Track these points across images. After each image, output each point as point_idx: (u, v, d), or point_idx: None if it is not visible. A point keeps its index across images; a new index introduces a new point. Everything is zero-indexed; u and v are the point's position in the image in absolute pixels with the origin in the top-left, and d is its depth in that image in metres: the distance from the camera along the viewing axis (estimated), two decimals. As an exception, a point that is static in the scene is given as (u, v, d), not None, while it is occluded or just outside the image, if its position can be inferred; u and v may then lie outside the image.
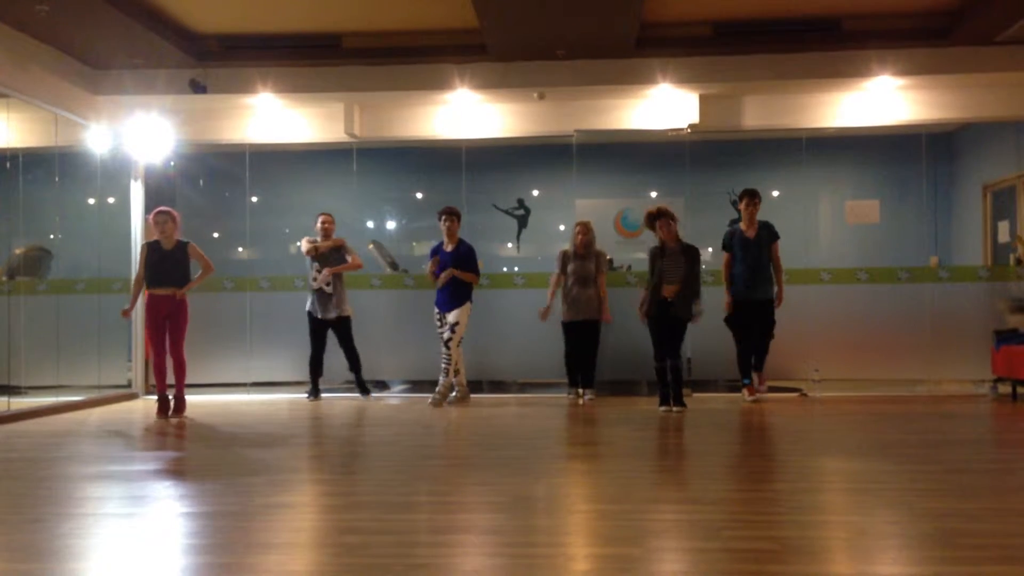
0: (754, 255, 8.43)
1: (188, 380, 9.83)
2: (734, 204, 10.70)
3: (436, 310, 8.59)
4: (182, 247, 7.90)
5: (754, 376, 8.55)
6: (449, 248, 8.53)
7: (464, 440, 6.51)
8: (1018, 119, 9.55)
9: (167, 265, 7.81)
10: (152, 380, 9.84)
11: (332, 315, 8.93)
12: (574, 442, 6.41)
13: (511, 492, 4.63)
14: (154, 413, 7.89)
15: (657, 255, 7.85)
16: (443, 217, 8.52)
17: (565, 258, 8.79)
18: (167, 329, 7.83)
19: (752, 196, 8.51)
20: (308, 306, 9.05)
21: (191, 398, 8.26)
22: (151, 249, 7.85)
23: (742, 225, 8.55)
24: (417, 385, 10.02)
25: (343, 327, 9.02)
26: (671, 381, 7.79)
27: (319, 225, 9.07)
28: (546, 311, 8.75)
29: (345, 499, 4.61)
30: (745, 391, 8.49)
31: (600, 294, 8.69)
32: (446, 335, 8.42)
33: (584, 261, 8.70)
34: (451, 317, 8.43)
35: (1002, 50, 8.53)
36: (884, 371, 9.41)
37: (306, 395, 9.12)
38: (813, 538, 3.72)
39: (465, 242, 8.56)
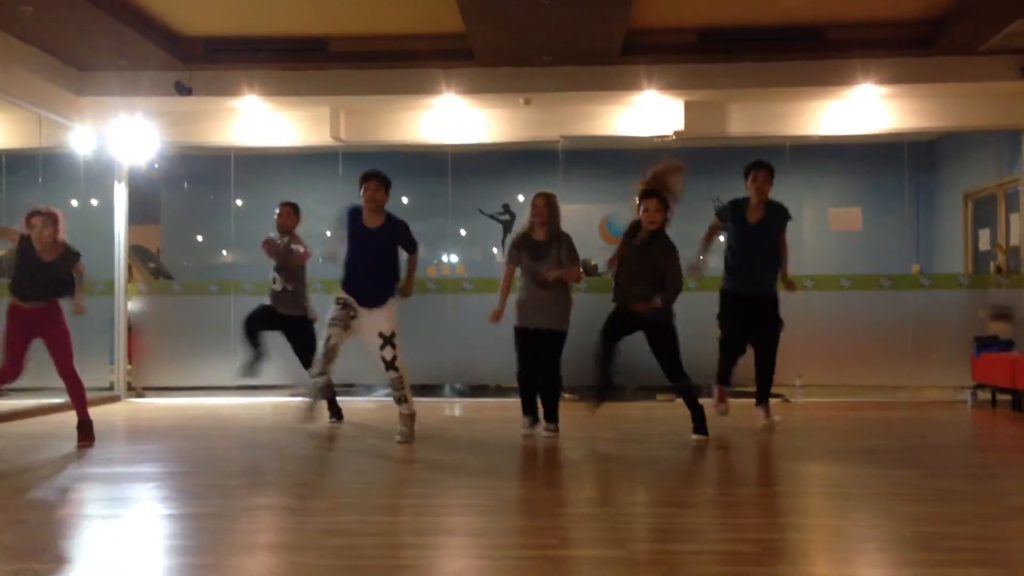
0: (754, 245, 6.86)
1: (172, 383, 9.86)
2: (718, 211, 10.75)
3: (340, 305, 6.32)
4: (67, 261, 6.35)
5: (760, 410, 6.96)
6: (372, 224, 6.36)
7: (447, 444, 6.51)
8: (999, 128, 9.63)
9: (44, 280, 6.26)
10: (137, 383, 9.86)
11: (293, 312, 7.57)
12: (556, 446, 6.41)
13: (495, 495, 4.64)
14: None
15: (628, 233, 6.34)
16: (364, 184, 6.33)
17: (517, 246, 6.61)
18: (46, 347, 6.35)
19: (760, 168, 6.84)
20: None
21: (175, 401, 8.22)
22: (25, 248, 6.24)
23: (748, 208, 6.90)
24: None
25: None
26: (688, 403, 6.39)
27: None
28: (498, 313, 6.63)
29: (329, 501, 4.61)
30: (716, 394, 7.10)
31: (565, 295, 6.53)
32: (388, 355, 6.25)
33: (541, 250, 6.47)
34: (384, 326, 6.26)
35: (984, 60, 8.61)
36: (866, 377, 9.46)
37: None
38: (793, 541, 3.75)
39: (396, 217, 6.49)
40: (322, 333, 6.44)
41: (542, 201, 6.51)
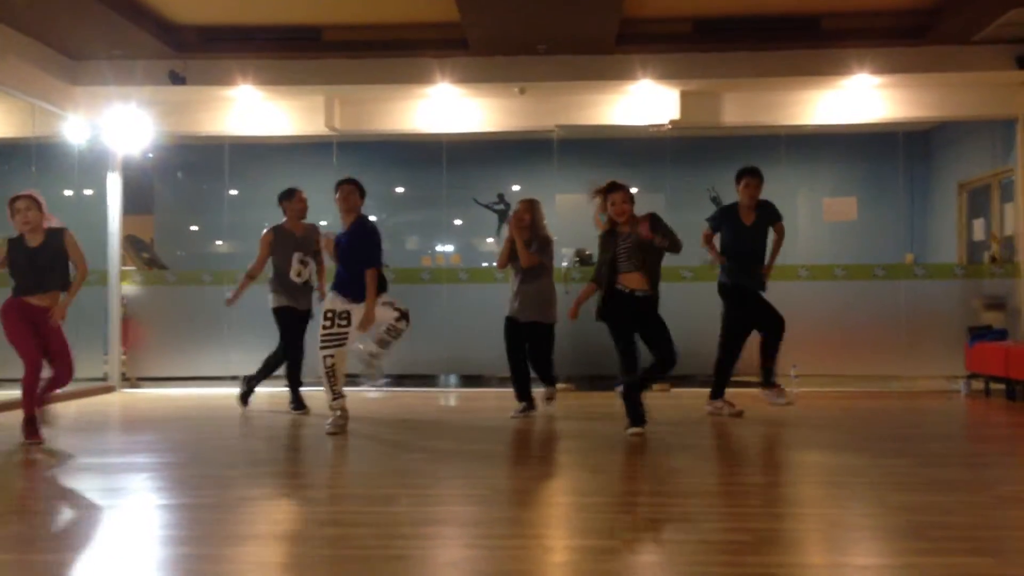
0: (749, 245, 7.09)
1: (166, 373, 9.86)
2: (714, 200, 10.76)
3: (335, 303, 6.42)
4: (56, 238, 6.10)
5: (773, 390, 7.20)
6: (346, 223, 6.57)
7: (442, 434, 6.52)
8: (994, 118, 9.63)
9: (40, 265, 6.02)
10: (131, 373, 9.84)
11: (308, 306, 7.59)
12: (551, 436, 6.43)
13: (489, 485, 4.65)
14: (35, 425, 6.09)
15: (609, 240, 6.19)
16: (339, 187, 6.62)
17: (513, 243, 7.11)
18: (43, 336, 6.06)
19: (752, 175, 7.08)
20: (282, 302, 7.51)
21: (170, 391, 8.21)
22: (14, 248, 6.04)
23: (741, 212, 7.10)
24: (400, 380, 10.00)
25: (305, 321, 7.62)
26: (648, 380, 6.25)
27: (297, 204, 7.68)
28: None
29: (324, 492, 4.62)
30: (724, 405, 7.15)
31: (547, 290, 7.04)
32: (384, 330, 6.38)
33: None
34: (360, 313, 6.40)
35: (979, 49, 8.61)
36: (860, 367, 9.49)
37: (291, 407, 7.62)
38: (787, 530, 3.76)
39: (368, 220, 6.64)
40: (360, 347, 6.44)
41: (522, 207, 7.06)
